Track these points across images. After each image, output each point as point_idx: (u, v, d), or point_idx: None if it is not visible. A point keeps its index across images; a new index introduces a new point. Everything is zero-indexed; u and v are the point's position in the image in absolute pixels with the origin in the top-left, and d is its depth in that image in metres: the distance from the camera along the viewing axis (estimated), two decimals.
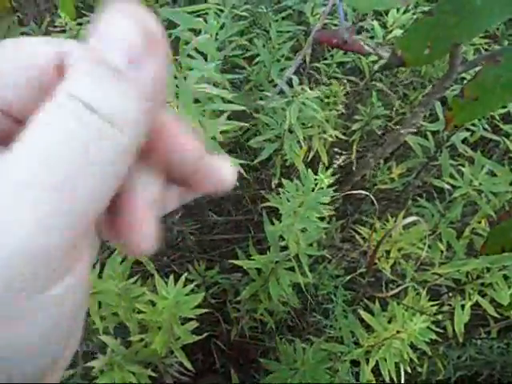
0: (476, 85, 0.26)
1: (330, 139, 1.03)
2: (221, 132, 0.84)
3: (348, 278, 0.88)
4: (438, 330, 0.82)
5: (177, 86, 0.67)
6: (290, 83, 0.92)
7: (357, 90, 1.27)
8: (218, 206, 1.36)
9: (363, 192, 0.81)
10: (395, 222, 0.87)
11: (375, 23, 1.05)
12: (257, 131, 1.19)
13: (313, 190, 0.67)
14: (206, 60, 0.93)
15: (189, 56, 0.64)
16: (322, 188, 0.63)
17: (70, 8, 0.28)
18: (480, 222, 0.88)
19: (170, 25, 0.56)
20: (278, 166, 1.09)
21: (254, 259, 0.84)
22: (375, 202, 0.80)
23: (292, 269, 0.87)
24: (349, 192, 0.84)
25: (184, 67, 0.64)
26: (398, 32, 1.04)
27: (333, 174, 0.69)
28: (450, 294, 1.05)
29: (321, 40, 0.34)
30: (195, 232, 1.24)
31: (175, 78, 0.64)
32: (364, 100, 1.21)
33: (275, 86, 1.10)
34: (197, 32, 0.69)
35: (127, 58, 0.12)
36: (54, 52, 0.14)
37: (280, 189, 0.82)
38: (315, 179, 0.63)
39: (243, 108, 0.80)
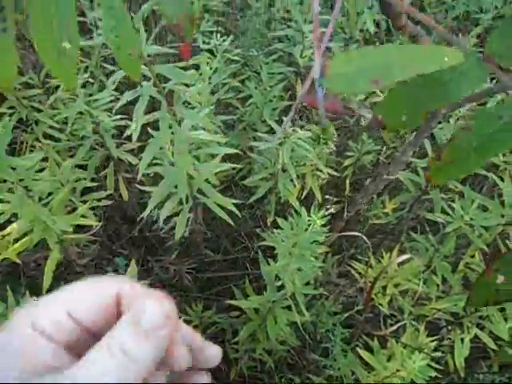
0: (452, 149, 0.27)
1: (323, 176, 1.05)
2: (215, 173, 0.86)
3: (346, 315, 0.88)
4: (438, 366, 0.82)
5: (172, 133, 0.70)
6: (281, 124, 0.94)
7: (347, 127, 1.30)
8: (215, 243, 1.36)
9: (357, 234, 0.82)
10: (390, 257, 0.88)
11: None
12: (251, 169, 1.21)
13: (307, 230, 0.68)
14: (200, 104, 0.96)
15: (184, 103, 0.66)
16: (316, 228, 0.64)
17: (73, 81, 0.30)
18: (473, 256, 0.89)
19: (165, 79, 0.59)
20: (273, 204, 1.10)
21: (251, 299, 0.84)
22: (368, 241, 0.81)
23: (289, 307, 0.87)
24: (342, 234, 0.85)
25: (179, 114, 0.67)
26: None
27: (326, 210, 0.70)
28: (449, 328, 1.04)
29: (307, 102, 0.36)
30: (192, 271, 1.23)
31: (170, 127, 0.67)
32: (355, 136, 1.24)
33: (268, 125, 1.13)
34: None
35: (153, 325, 0.23)
36: (115, 293, 0.25)
37: (275, 229, 0.83)
38: (309, 220, 0.64)
39: (236, 151, 0.82)
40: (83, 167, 1.10)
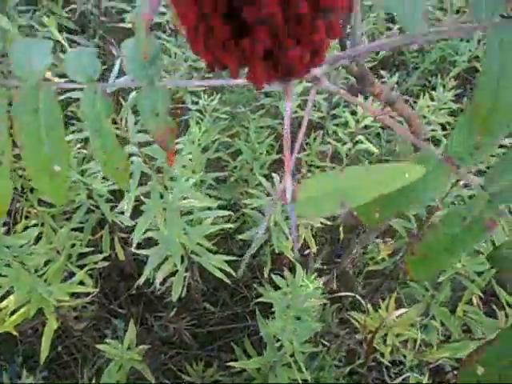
0: (422, 247, 0.29)
1: (317, 225, 1.06)
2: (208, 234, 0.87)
3: (348, 369, 0.87)
4: None
5: (163, 202, 0.71)
6: (271, 180, 0.97)
7: None
8: (214, 295, 1.36)
9: (350, 294, 0.82)
10: (387, 306, 0.88)
11: (348, 115, 1.13)
12: (245, 220, 1.23)
13: (301, 291, 0.68)
14: (191, 160, 0.99)
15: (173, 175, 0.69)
16: (309, 291, 0.64)
17: (62, 198, 0.31)
18: (471, 300, 0.89)
19: (153, 157, 0.61)
20: (268, 255, 1.11)
21: (252, 361, 0.83)
22: (362, 301, 0.82)
23: (290, 365, 0.87)
24: (337, 294, 0.86)
25: (169, 185, 0.69)
26: (367, 121, 1.12)
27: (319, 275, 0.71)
28: (455, 372, 1.03)
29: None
30: (191, 327, 1.22)
31: (161, 196, 0.68)
32: None
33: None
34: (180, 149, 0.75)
35: None
36: None
37: (272, 286, 0.84)
38: (301, 285, 0.65)
39: (228, 213, 0.84)
40: (79, 229, 1.11)
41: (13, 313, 0.88)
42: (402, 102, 0.67)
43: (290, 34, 0.16)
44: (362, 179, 0.25)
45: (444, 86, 1.37)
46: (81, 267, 1.02)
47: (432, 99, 1.32)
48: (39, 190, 0.30)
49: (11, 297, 0.85)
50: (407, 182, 0.25)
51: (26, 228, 1.05)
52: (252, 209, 1.05)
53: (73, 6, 1.30)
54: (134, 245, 0.76)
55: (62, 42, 0.66)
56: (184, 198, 0.69)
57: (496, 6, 0.23)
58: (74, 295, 0.99)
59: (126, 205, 0.61)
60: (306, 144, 1.18)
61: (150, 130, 0.32)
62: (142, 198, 0.76)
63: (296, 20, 0.15)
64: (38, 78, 0.29)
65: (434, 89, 1.45)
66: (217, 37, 0.15)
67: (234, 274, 0.87)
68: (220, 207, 1.05)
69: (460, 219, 0.28)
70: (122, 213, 1.10)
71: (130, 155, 0.61)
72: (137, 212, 0.88)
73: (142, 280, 0.82)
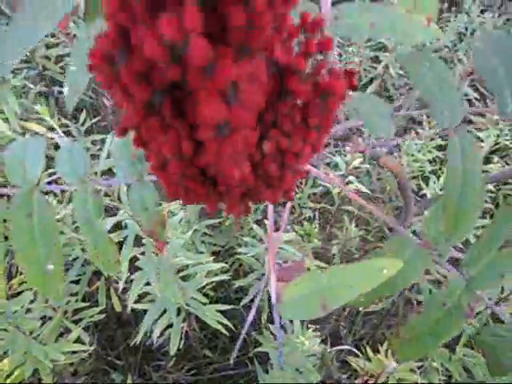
0: (407, 330, 0.30)
1: (312, 267, 1.07)
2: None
3: None
4: None
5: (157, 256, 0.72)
6: (263, 227, 0.98)
7: (329, 211, 1.35)
8: (213, 341, 1.34)
9: (347, 347, 0.82)
10: (386, 351, 0.88)
11: (338, 159, 1.15)
12: (240, 264, 1.24)
13: (297, 343, 0.68)
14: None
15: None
16: (305, 348, 0.65)
17: (58, 294, 0.32)
18: (470, 342, 0.89)
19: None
20: (266, 301, 1.11)
21: None
22: (357, 352, 0.81)
23: None
24: (333, 349, 0.86)
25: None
26: (355, 163, 1.15)
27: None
28: None
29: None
30: (191, 376, 1.21)
31: (156, 254, 0.69)
32: (338, 222, 1.28)
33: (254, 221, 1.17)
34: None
35: None
36: None
37: (270, 332, 0.84)
38: (297, 342, 0.65)
39: (222, 265, 0.84)
40: (74, 281, 1.11)
41: (8, 375, 0.87)
42: (386, 157, 0.70)
43: (262, 180, 0.17)
44: (341, 281, 0.26)
45: (429, 122, 1.41)
46: (76, 322, 1.01)
47: (417, 135, 1.35)
48: (33, 285, 0.31)
49: (6, 360, 0.84)
50: (385, 278, 0.26)
51: (22, 283, 1.05)
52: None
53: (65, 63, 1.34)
54: (131, 302, 0.76)
55: (56, 127, 0.68)
56: (177, 256, 0.70)
57: (456, 115, 0.25)
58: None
59: (122, 269, 0.62)
60: (297, 187, 1.20)
61: (141, 224, 0.34)
62: (137, 255, 0.76)
63: (266, 175, 0.17)
64: (32, 184, 0.30)
65: (420, 123, 1.50)
66: (195, 193, 0.17)
67: (230, 325, 0.87)
68: (214, 253, 1.06)
69: (440, 305, 0.29)
70: None
71: (123, 220, 0.62)
72: (132, 264, 0.89)
73: (139, 337, 0.82)
